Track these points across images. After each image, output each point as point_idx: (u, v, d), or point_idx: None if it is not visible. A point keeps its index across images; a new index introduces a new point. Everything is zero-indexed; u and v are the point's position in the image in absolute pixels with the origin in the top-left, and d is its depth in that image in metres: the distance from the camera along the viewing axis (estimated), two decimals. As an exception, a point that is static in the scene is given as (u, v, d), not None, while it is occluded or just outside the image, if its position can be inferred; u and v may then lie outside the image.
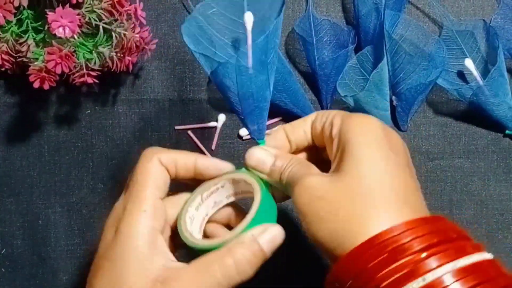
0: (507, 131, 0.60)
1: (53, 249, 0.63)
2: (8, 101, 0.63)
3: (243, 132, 0.61)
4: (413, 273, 0.36)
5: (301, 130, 0.46)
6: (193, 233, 0.44)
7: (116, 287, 0.40)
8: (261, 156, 0.45)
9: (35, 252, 0.63)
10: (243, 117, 0.46)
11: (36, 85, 0.55)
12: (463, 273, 0.36)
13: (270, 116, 0.61)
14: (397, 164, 0.41)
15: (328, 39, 0.60)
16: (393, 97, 0.60)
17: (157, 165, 0.44)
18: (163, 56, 0.62)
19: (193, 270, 0.41)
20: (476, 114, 0.60)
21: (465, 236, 0.39)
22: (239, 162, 0.47)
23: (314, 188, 0.40)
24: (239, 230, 0.42)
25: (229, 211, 0.48)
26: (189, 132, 0.62)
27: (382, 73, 0.57)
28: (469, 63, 0.58)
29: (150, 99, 0.62)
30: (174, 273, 0.41)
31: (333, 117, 0.44)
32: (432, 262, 0.36)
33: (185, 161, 0.45)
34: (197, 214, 0.45)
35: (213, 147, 0.62)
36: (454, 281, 0.35)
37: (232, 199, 0.47)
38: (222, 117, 0.62)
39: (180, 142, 0.62)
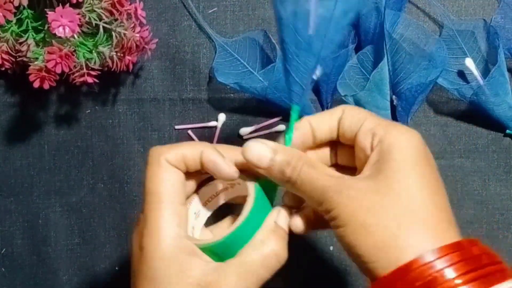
0: (507, 131, 0.60)
1: (53, 249, 0.62)
2: (8, 101, 0.62)
3: (243, 131, 0.61)
4: None
5: (326, 125, 0.44)
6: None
7: None
8: (259, 150, 0.42)
9: (35, 252, 0.63)
10: (292, 74, 0.43)
11: (36, 84, 0.55)
12: None
13: (270, 116, 0.61)
14: (435, 183, 0.40)
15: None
16: (394, 96, 0.60)
17: (166, 167, 0.42)
18: (163, 55, 0.62)
19: (235, 267, 0.40)
20: (476, 114, 0.60)
21: (497, 261, 0.39)
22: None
23: (361, 199, 0.39)
24: (237, 224, 0.42)
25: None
26: (189, 131, 0.62)
27: (382, 73, 0.57)
28: (469, 62, 0.58)
29: (150, 98, 0.62)
30: (215, 275, 0.40)
31: (372, 124, 0.42)
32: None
33: (193, 154, 0.42)
34: (197, 222, 0.46)
35: (213, 147, 0.62)
36: None
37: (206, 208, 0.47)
38: (222, 117, 0.62)
39: (180, 142, 0.62)
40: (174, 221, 0.41)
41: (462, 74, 0.60)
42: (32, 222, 0.63)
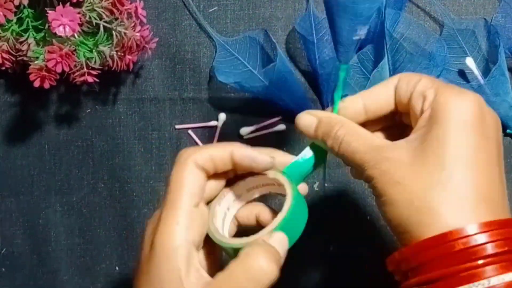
0: (508, 130, 0.60)
1: (53, 249, 0.62)
2: (9, 100, 0.62)
3: (244, 131, 0.61)
4: (477, 275, 0.35)
5: (381, 98, 0.43)
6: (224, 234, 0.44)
7: None
8: (306, 120, 0.44)
9: (35, 252, 0.63)
10: (337, 34, 0.43)
11: (37, 84, 0.55)
12: None
13: (270, 116, 0.61)
14: (486, 155, 0.38)
15: (329, 38, 0.60)
16: (394, 96, 0.60)
17: (192, 169, 0.41)
18: (163, 55, 0.62)
19: (219, 281, 0.39)
20: (477, 113, 0.60)
21: None
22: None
23: (393, 172, 0.39)
24: (270, 228, 0.41)
25: (258, 208, 0.46)
26: (190, 131, 0.62)
27: (383, 72, 0.57)
28: (470, 62, 0.58)
29: (150, 98, 0.62)
30: None
31: (424, 87, 0.41)
32: (495, 269, 0.35)
33: (221, 155, 0.42)
34: (225, 223, 0.45)
35: (213, 146, 0.61)
36: None
37: (238, 203, 0.46)
38: (222, 116, 0.62)
39: (180, 142, 0.62)
40: (185, 224, 0.40)
41: (462, 74, 0.60)
42: (32, 222, 0.63)
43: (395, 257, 0.39)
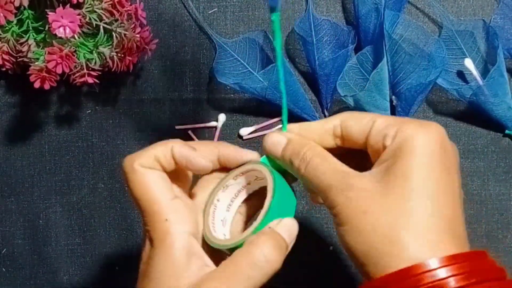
0: (506, 131, 0.60)
1: (53, 249, 0.63)
2: (9, 101, 0.63)
3: (243, 131, 0.61)
4: None
5: (319, 134, 0.43)
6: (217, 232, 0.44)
7: None
8: (274, 138, 0.43)
9: (35, 252, 0.63)
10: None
11: (37, 85, 0.55)
12: None
13: (270, 116, 0.61)
14: (448, 188, 0.38)
15: (328, 39, 0.60)
16: (393, 97, 0.60)
17: (143, 172, 0.41)
18: (163, 56, 0.62)
19: (222, 269, 0.40)
20: (475, 114, 0.60)
21: (503, 276, 0.38)
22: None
23: (359, 201, 0.38)
24: (255, 225, 0.41)
25: (253, 202, 0.46)
26: (190, 132, 0.62)
27: (382, 73, 0.57)
28: (468, 63, 0.58)
29: (150, 99, 0.62)
30: (205, 277, 0.40)
31: (382, 125, 0.40)
32: None
33: (164, 154, 0.42)
34: (216, 220, 0.45)
35: (213, 147, 0.62)
36: None
37: (243, 193, 0.46)
38: (222, 117, 0.62)
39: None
40: (173, 218, 0.41)
41: (461, 75, 0.60)
42: (32, 222, 0.63)
43: None
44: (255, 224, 0.42)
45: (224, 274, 0.39)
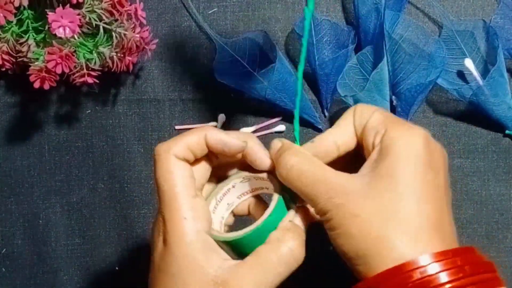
0: (507, 131, 0.60)
1: (53, 249, 0.63)
2: (9, 101, 0.63)
3: (243, 131, 0.61)
4: None
5: (348, 132, 0.44)
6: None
7: None
8: (274, 143, 0.44)
9: (35, 252, 0.63)
10: None
11: (37, 85, 0.55)
12: None
13: (270, 116, 0.61)
14: (435, 188, 0.39)
15: (328, 39, 0.60)
16: (393, 97, 0.60)
17: (176, 163, 0.42)
18: (163, 56, 0.62)
19: (251, 265, 0.40)
20: (476, 114, 0.60)
21: (492, 269, 0.39)
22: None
23: (347, 206, 0.39)
24: (259, 222, 0.42)
25: (249, 201, 0.47)
26: (189, 132, 0.62)
27: (382, 73, 0.57)
28: (468, 63, 0.58)
29: (150, 99, 0.62)
30: (231, 273, 0.40)
31: (376, 121, 0.42)
32: None
33: (197, 141, 0.42)
34: (214, 217, 0.45)
35: (213, 147, 0.62)
36: None
37: (246, 197, 0.47)
38: (222, 117, 0.62)
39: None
40: (192, 216, 0.41)
41: (461, 75, 0.60)
42: (32, 222, 0.63)
43: None
44: (262, 218, 0.42)
45: (253, 271, 0.40)
